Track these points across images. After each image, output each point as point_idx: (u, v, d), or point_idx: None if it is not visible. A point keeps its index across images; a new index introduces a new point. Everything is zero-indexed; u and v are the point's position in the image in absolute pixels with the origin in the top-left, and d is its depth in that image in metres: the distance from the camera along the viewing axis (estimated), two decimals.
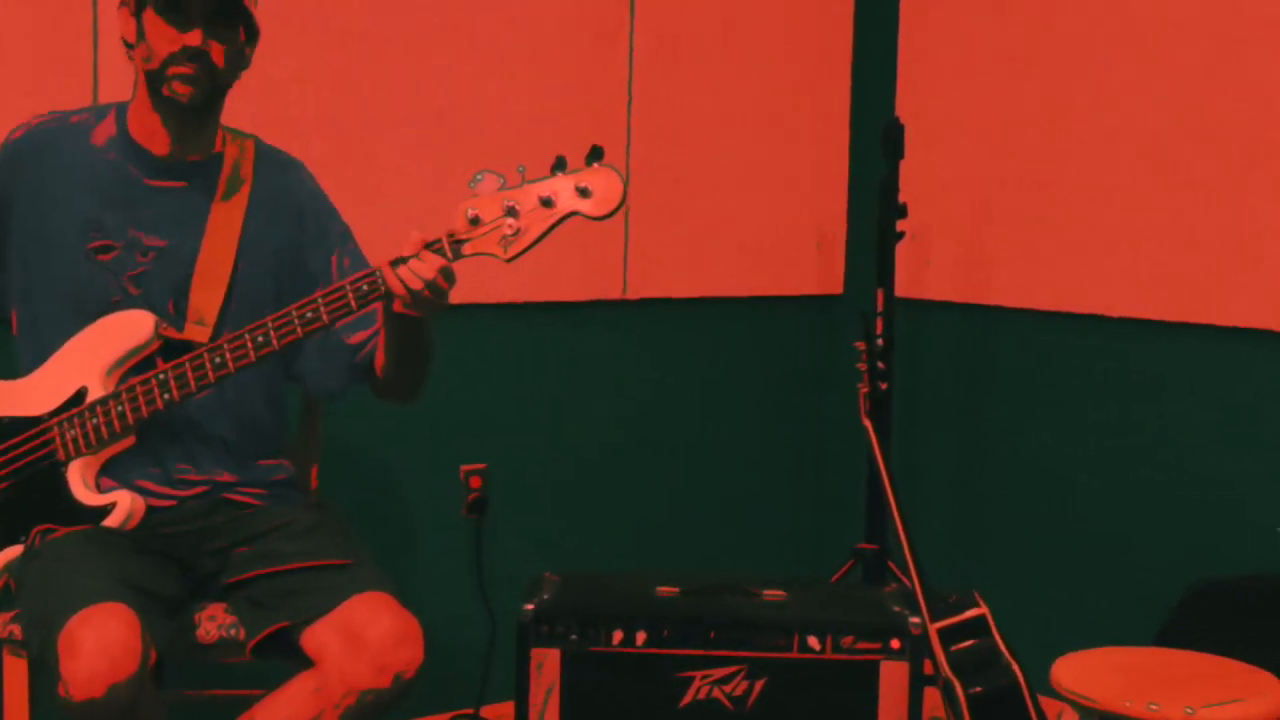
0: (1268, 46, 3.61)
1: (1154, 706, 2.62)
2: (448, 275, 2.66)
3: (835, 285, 4.51)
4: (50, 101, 3.03)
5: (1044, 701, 3.41)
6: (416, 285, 2.64)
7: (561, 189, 2.61)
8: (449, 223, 2.66)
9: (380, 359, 2.91)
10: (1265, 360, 3.67)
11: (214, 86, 2.79)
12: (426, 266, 2.63)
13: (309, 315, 2.70)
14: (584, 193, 2.61)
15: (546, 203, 2.61)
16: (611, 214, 2.62)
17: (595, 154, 2.62)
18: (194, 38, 2.72)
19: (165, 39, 2.73)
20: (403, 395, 2.98)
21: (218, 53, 2.76)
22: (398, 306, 2.69)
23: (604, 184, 2.61)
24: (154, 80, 2.77)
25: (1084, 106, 3.93)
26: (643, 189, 4.09)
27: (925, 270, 4.27)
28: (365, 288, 2.68)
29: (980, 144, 4.18)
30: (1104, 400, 3.96)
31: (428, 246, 2.64)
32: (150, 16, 2.74)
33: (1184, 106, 3.74)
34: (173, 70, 2.74)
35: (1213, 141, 3.69)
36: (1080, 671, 2.76)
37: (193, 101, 2.77)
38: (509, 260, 2.64)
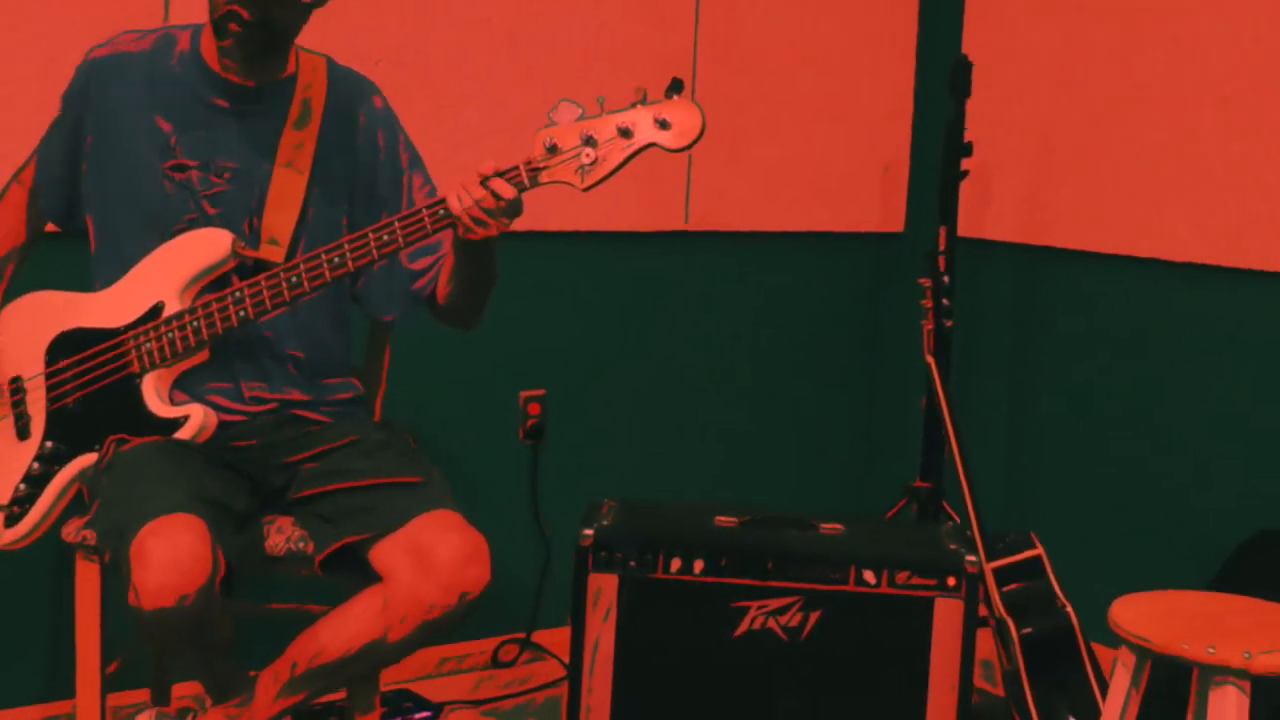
0: None
1: (1212, 650, 2.62)
2: (516, 206, 2.69)
3: (896, 223, 4.51)
4: (123, 21, 3.06)
5: (1095, 647, 3.44)
6: (479, 214, 2.67)
7: (640, 120, 2.63)
8: (527, 150, 2.68)
9: (443, 286, 2.94)
10: None
11: (273, 38, 2.79)
12: (494, 195, 2.66)
13: (385, 238, 2.73)
14: (663, 125, 2.63)
15: (625, 133, 2.63)
16: (689, 147, 2.65)
17: (675, 86, 2.64)
18: (242, 7, 2.73)
19: None
20: (463, 321, 3.02)
21: (276, 15, 2.75)
22: (461, 233, 2.72)
23: (683, 116, 2.63)
24: (214, 24, 2.79)
25: (1151, 48, 3.90)
26: (708, 120, 4.08)
27: (987, 210, 4.26)
28: (441, 213, 2.71)
29: (1046, 83, 4.15)
30: (1164, 345, 3.95)
31: (504, 174, 2.67)
32: None
33: (1253, 48, 3.70)
34: (230, 27, 2.75)
35: None
36: (1139, 613, 2.77)
37: (248, 53, 2.79)
38: (585, 189, 2.67)
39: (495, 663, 3.99)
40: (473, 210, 2.67)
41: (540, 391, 4.01)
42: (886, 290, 4.50)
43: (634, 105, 2.64)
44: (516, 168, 2.67)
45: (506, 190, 2.66)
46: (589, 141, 2.64)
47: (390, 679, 3.72)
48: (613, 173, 2.65)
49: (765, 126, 4.25)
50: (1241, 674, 2.62)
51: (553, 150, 2.65)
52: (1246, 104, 3.73)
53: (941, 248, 3.84)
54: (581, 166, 2.65)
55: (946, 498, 3.89)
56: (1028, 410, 4.28)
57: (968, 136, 3.87)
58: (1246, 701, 2.64)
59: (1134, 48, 3.95)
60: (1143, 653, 2.73)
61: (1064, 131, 4.12)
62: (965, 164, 3.89)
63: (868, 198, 4.46)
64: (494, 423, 3.98)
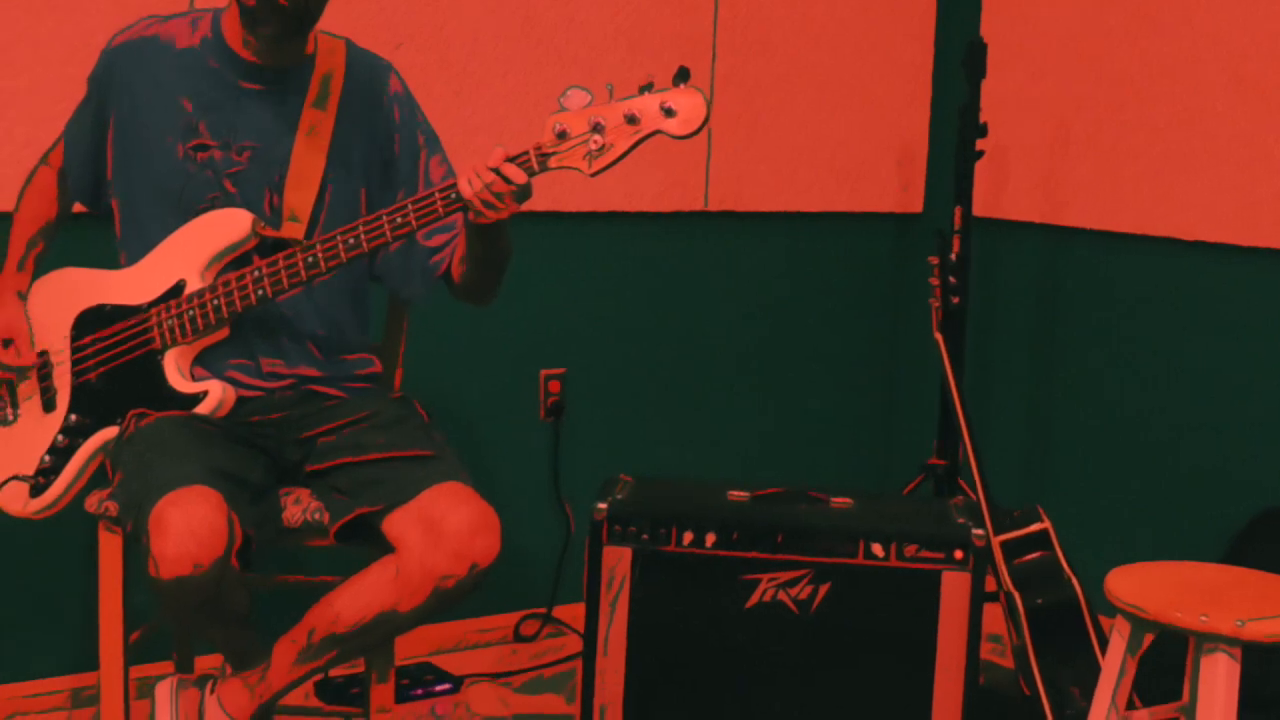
0: None
1: (1204, 618, 2.65)
2: (526, 189, 2.74)
3: (915, 204, 4.53)
4: (147, 6, 3.10)
5: (1102, 621, 3.46)
6: (489, 198, 2.72)
7: (647, 107, 2.69)
8: (536, 136, 2.73)
9: (458, 264, 3.00)
10: None
11: (301, 19, 2.84)
12: (505, 180, 2.71)
13: (398, 220, 2.79)
14: (669, 112, 2.68)
15: (631, 120, 2.69)
16: (694, 134, 2.69)
17: (682, 75, 2.69)
18: None
19: None
20: (479, 297, 3.06)
21: None
22: (472, 216, 2.78)
23: (689, 104, 2.68)
24: (242, 8, 2.84)
25: (1167, 28, 3.91)
26: (727, 103, 4.14)
27: (1004, 190, 4.29)
28: (454, 195, 2.76)
29: (1063, 64, 4.17)
30: (1179, 324, 3.96)
31: (514, 159, 2.72)
32: None
33: (1268, 28, 3.71)
34: (260, 8, 2.80)
35: None
36: (1134, 582, 2.79)
37: (276, 34, 2.84)
38: (592, 175, 2.73)
39: (517, 637, 4.04)
40: (483, 194, 2.72)
41: (561, 370, 4.06)
42: (905, 270, 4.53)
43: (641, 92, 2.69)
44: (527, 153, 2.72)
45: (517, 175, 2.71)
46: (597, 128, 2.69)
47: (412, 652, 3.79)
48: (619, 159, 2.71)
49: (785, 107, 4.27)
50: (1233, 641, 2.64)
51: (562, 136, 2.71)
52: (1262, 83, 3.73)
53: (957, 227, 3.87)
54: (589, 152, 2.70)
55: (962, 474, 3.91)
56: (1044, 388, 4.30)
57: (985, 118, 3.87)
58: (1237, 668, 2.66)
59: (1149, 28, 3.96)
60: (1137, 621, 2.75)
61: (1080, 112, 4.13)
62: (981, 144, 3.90)
63: (886, 178, 4.48)
64: (515, 400, 4.03)
